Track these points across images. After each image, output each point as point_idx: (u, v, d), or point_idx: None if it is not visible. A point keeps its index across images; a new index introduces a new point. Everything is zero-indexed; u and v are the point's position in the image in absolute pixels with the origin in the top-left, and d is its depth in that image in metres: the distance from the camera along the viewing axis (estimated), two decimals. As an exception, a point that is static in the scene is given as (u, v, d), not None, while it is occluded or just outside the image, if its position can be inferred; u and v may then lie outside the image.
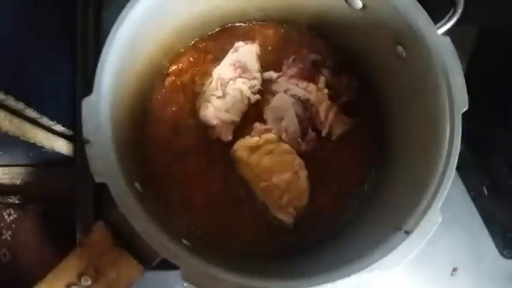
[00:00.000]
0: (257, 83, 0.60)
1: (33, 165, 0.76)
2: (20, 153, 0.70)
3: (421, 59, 0.47)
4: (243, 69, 0.59)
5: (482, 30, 0.67)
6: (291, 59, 0.60)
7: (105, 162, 0.43)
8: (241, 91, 0.59)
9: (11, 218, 0.67)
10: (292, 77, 0.59)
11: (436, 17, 0.48)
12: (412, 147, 0.52)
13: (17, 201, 0.69)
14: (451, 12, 0.50)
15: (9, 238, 0.67)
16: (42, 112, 0.60)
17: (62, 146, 0.68)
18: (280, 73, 0.60)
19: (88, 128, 0.43)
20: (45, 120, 0.62)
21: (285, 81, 0.59)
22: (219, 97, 0.58)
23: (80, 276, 0.43)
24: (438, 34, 0.46)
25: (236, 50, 0.60)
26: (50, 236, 0.66)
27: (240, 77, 0.59)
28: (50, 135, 0.65)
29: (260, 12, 0.62)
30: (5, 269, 0.65)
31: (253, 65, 0.60)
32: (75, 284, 0.43)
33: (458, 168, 0.44)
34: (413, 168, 0.50)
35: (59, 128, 0.66)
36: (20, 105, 0.55)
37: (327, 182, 0.59)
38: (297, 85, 0.59)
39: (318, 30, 0.62)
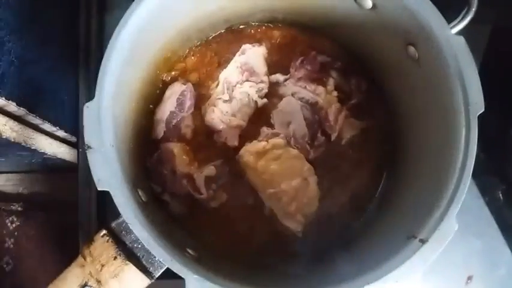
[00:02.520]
0: (264, 87, 0.59)
1: (36, 171, 0.76)
2: (22, 160, 0.70)
3: (434, 60, 0.46)
4: (250, 73, 0.58)
5: (496, 29, 0.65)
6: (298, 61, 0.59)
7: (107, 169, 0.42)
8: (249, 95, 0.58)
9: (14, 225, 0.67)
10: (300, 79, 0.58)
11: (449, 16, 0.47)
12: (426, 152, 0.51)
13: (19, 208, 0.69)
14: (464, 11, 0.49)
15: (11, 246, 0.66)
16: (45, 118, 0.60)
17: (65, 153, 0.68)
18: (288, 76, 0.59)
19: (90, 134, 0.43)
20: (47, 126, 0.62)
21: (293, 84, 0.58)
22: (225, 101, 0.57)
23: (82, 286, 0.42)
24: (452, 34, 0.45)
25: (243, 53, 0.59)
26: (52, 243, 0.66)
27: (247, 80, 0.58)
28: (53, 141, 0.65)
29: (267, 14, 0.61)
30: (8, 277, 0.65)
31: (261, 68, 0.59)
32: (78, 295, 0.42)
33: (472, 173, 0.42)
34: (428, 174, 0.49)
35: (61, 134, 0.66)
36: (21, 111, 0.55)
37: (337, 189, 0.57)
38: (305, 88, 0.58)
39: (326, 31, 0.61)
